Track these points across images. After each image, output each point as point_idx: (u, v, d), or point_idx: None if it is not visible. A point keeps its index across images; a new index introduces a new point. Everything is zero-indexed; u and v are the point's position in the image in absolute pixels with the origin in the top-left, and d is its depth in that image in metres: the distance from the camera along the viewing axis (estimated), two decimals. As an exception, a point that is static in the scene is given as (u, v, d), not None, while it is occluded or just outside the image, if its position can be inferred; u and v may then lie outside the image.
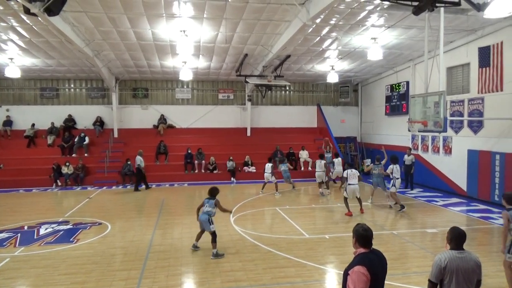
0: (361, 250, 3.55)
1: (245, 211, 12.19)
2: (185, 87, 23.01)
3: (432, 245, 8.96)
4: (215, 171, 19.88)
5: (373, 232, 3.65)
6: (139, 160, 17.35)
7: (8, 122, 21.02)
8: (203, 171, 20.07)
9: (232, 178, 19.21)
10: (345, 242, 8.87)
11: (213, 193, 8.40)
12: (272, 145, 21.24)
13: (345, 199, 12.03)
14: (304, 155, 20.72)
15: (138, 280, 6.86)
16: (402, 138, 19.10)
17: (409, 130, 12.86)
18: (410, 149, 17.24)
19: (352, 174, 11.89)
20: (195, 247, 8.52)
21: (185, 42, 13.76)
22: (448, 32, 13.36)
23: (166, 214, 12.31)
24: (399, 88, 19.52)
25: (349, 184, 11.90)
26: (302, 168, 20.49)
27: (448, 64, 15.22)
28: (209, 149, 20.73)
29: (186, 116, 22.87)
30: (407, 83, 18.78)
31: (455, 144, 15.53)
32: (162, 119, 22.47)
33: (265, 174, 15.98)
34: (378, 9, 11.57)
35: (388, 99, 20.53)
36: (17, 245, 9.13)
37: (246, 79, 18.24)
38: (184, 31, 13.31)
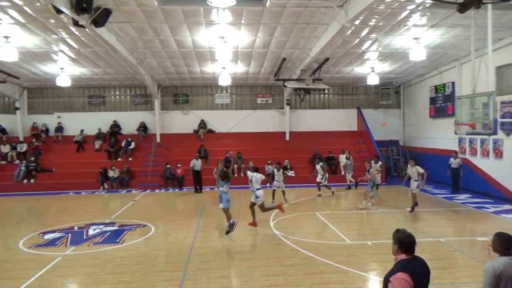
0: (403, 256, 3.42)
1: (284, 216, 12.16)
2: (224, 92, 23.38)
3: (483, 254, 8.50)
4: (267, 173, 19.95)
5: (416, 239, 3.51)
6: (192, 163, 17.98)
7: (59, 128, 22.29)
8: (242, 175, 20.21)
9: (269, 183, 19.18)
10: (389, 248, 8.60)
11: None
12: (311, 149, 21.06)
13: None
14: (344, 159, 20.35)
15: (180, 281, 7.02)
16: (448, 141, 18.27)
17: (455, 133, 12.31)
18: (456, 152, 16.49)
19: None
20: None
21: (224, 48, 14.01)
22: (497, 30, 12.65)
23: (207, 217, 12.53)
24: (444, 89, 18.72)
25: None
26: (342, 173, 20.13)
27: (497, 63, 14.40)
28: (248, 153, 20.89)
29: (225, 121, 23.21)
30: (453, 83, 17.97)
31: (507, 147, 14.65)
32: (202, 124, 22.94)
33: (274, 181, 14.93)
34: (420, 8, 11.19)
35: (433, 100, 19.74)
36: (68, 245, 9.63)
37: (285, 83, 18.24)
38: (222, 37, 13.55)
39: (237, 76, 20.29)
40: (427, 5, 10.92)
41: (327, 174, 16.25)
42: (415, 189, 12.47)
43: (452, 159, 15.98)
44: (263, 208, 10.92)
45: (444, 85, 18.71)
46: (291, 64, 17.79)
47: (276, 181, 14.81)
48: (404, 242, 3.43)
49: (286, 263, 7.92)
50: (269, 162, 19.78)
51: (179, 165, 19.35)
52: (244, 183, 19.47)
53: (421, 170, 12.51)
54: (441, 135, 19.09)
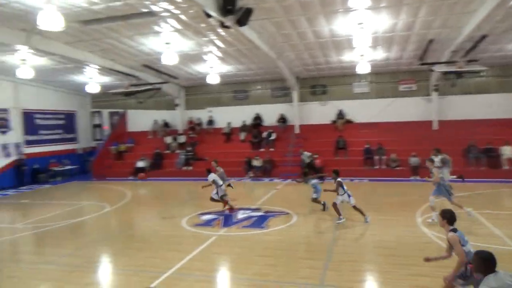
0: None
1: (433, 212, 11.16)
2: (363, 80, 22.56)
3: None
4: (397, 168, 18.87)
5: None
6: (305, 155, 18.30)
7: (210, 122, 24.90)
8: (383, 166, 19.33)
9: (413, 176, 17.85)
10: None
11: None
12: (463, 140, 18.71)
13: None
14: (507, 151, 17.55)
15: (323, 270, 7.16)
16: None
17: None
18: None
19: None
20: None
21: (362, 35, 13.52)
22: None
23: (347, 209, 12.36)
24: None
25: None
26: (506, 167, 17.37)
27: None
28: (389, 144, 19.80)
29: (365, 111, 22.38)
30: None
31: None
32: (341, 114, 22.63)
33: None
34: None
35: None
36: (221, 226, 10.76)
37: (432, 67, 16.63)
38: (360, 23, 13.09)
39: (377, 63, 19.31)
40: None
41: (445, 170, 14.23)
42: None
43: None
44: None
45: None
46: (439, 46, 16.06)
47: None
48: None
49: (435, 264, 7.27)
50: (413, 154, 18.39)
51: (316, 156, 19.53)
52: (383, 175, 18.65)
53: None
54: None
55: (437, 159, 13.37)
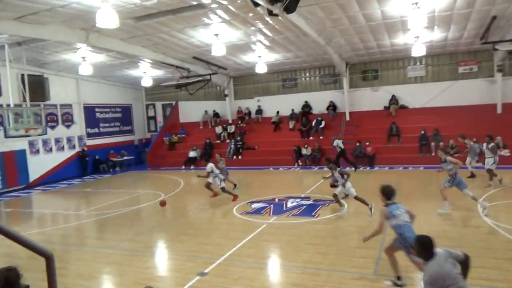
0: None
1: (496, 201, 10.48)
2: (417, 63, 21.44)
3: None
4: (455, 155, 17.79)
5: None
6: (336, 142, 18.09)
7: (259, 111, 25.00)
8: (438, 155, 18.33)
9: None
10: None
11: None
12: (533, 123, 17.24)
13: None
14: None
15: (376, 259, 6.99)
16: None
17: None
18: None
19: None
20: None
21: (417, 15, 12.80)
22: None
23: (401, 197, 11.91)
24: None
25: None
26: None
27: None
28: (447, 129, 18.73)
29: (420, 95, 21.29)
30: None
31: None
32: (394, 100, 21.73)
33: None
34: None
35: None
36: (271, 214, 10.85)
37: (495, 46, 15.42)
38: (416, 3, 12.39)
39: (433, 44, 18.22)
40: None
41: (497, 157, 13.06)
42: None
43: None
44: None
45: None
46: (505, 22, 14.81)
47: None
48: None
49: (501, 256, 6.86)
50: (474, 140, 17.21)
51: (368, 143, 19.01)
52: (440, 163, 17.62)
53: None
54: None
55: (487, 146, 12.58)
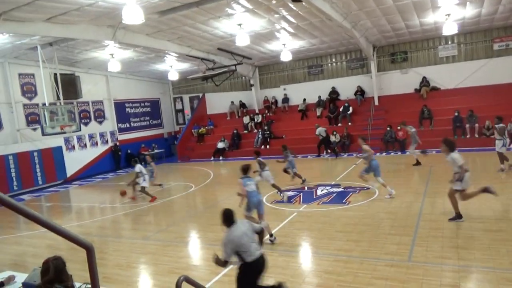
0: None
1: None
2: (449, 43, 20.59)
3: None
4: (492, 136, 17.08)
5: None
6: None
7: (285, 99, 24.82)
8: (476, 135, 17.67)
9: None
10: None
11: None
12: None
13: None
14: None
15: (410, 246, 6.86)
16: None
17: None
18: None
19: None
20: None
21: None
22: None
23: (435, 182, 11.62)
24: None
25: None
26: None
27: None
28: (483, 110, 17.98)
29: (452, 76, 20.48)
30: None
31: None
32: (425, 82, 21.02)
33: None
34: None
35: None
36: (301, 202, 10.83)
37: (534, 19, 14.52)
38: (447, -21, 11.86)
39: (466, 21, 17.42)
40: None
41: (507, 140, 12.31)
42: None
43: None
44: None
45: None
46: (544, -7, 13.97)
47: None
48: None
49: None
50: (512, 119, 16.46)
51: (399, 128, 18.53)
52: (476, 145, 17.04)
53: None
54: None
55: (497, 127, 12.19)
